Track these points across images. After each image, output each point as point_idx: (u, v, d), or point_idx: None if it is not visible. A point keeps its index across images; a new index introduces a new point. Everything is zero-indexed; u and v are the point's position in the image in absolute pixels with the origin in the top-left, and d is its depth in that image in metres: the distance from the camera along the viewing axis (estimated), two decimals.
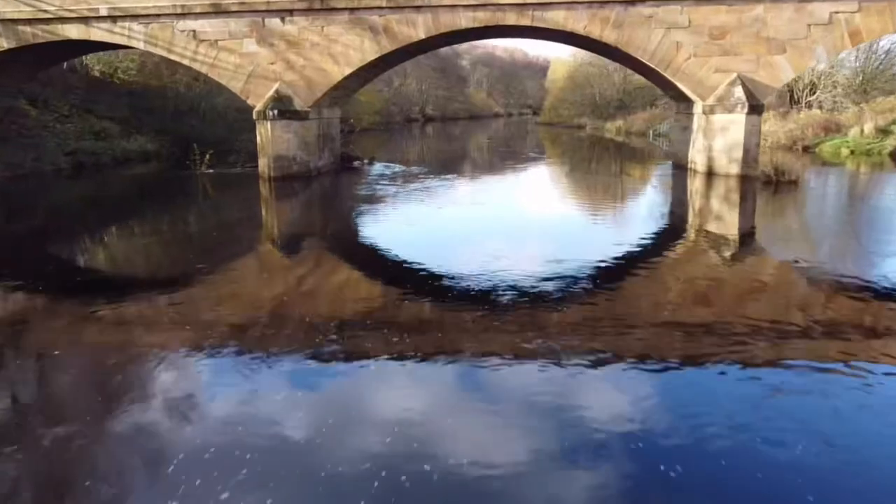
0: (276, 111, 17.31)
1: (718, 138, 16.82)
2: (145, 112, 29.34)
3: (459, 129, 64.23)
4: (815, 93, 32.27)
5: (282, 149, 17.61)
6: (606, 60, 56.74)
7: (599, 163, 27.41)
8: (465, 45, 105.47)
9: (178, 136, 28.31)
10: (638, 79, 60.15)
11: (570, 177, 21.44)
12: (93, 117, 26.68)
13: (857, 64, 33.20)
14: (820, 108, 30.85)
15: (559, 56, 75.10)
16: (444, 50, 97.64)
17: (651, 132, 39.69)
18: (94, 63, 29.26)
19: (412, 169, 21.05)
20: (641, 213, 14.10)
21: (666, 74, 17.23)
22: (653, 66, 17.11)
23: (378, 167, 21.59)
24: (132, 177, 21.07)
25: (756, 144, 16.79)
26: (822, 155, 23.53)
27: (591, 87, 56.22)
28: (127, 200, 16.42)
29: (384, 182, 18.48)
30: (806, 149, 24.85)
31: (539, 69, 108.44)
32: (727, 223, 12.01)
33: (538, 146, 40.37)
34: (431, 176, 19.91)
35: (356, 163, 21.55)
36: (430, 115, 78.80)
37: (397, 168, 21.00)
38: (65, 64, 28.77)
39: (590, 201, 16.24)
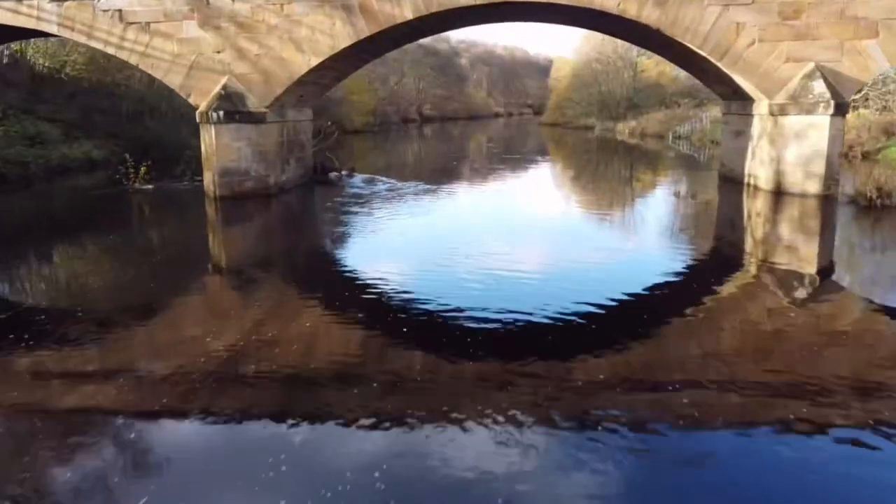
0: (221, 112, 13.53)
1: (791, 147, 13.05)
2: (99, 113, 25.57)
3: (458, 130, 60.77)
4: (861, 90, 28.42)
5: (230, 160, 13.82)
6: (616, 56, 53.53)
7: (620, 173, 23.60)
8: (464, 44, 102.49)
9: (133, 141, 24.45)
10: (648, 75, 56.89)
11: (590, 190, 17.67)
12: (32, 119, 22.88)
13: None
14: (866, 107, 27.10)
15: (562, 55, 71.46)
16: (443, 47, 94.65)
17: (670, 135, 35.84)
18: (39, 57, 25.50)
19: (400, 183, 17.23)
20: (683, 238, 11.21)
21: (720, 65, 13.47)
22: (704, 53, 13.35)
23: (358, 181, 17.81)
24: (55, 193, 17.24)
25: (839, 155, 13.02)
26: (891, 163, 19.73)
27: (599, 86, 52.46)
28: (23, 228, 12.61)
29: (361, 202, 14.71)
30: (865, 155, 21.07)
31: (540, 68, 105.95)
32: (801, 257, 9.27)
33: (546, 151, 36.57)
34: (422, 192, 16.13)
35: (332, 175, 17.76)
36: (428, 116, 75.92)
37: (382, 183, 17.18)
38: (3, 58, 25.04)
39: (618, 224, 12.57)
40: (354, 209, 13.89)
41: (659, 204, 15.12)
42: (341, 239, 10.92)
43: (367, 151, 36.25)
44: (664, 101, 50.19)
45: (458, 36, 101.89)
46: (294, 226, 12.64)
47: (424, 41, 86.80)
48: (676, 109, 41.90)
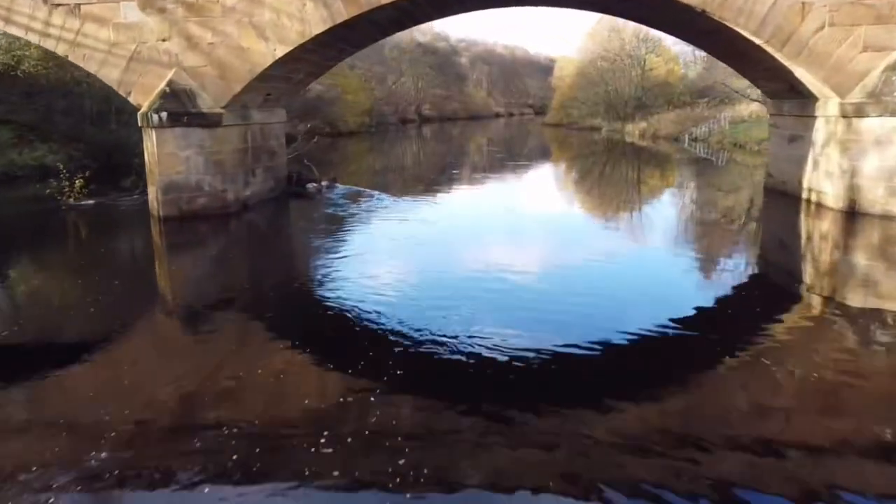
0: (164, 114, 10.99)
1: (871, 156, 10.51)
2: (59, 114, 23.04)
3: (458, 131, 58.32)
4: None
5: (176, 172, 11.28)
6: (623, 53, 50.98)
7: (641, 183, 21.03)
8: (464, 42, 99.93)
9: (95, 146, 22.07)
10: (656, 74, 54.38)
11: (609, 205, 15.13)
12: None
13: None
14: None
15: (565, 54, 69.00)
16: (442, 46, 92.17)
17: (686, 137, 33.21)
18: None
19: (388, 197, 14.69)
20: (727, 263, 9.34)
21: (779, 56, 10.94)
22: (759, 41, 10.82)
23: (340, 193, 15.29)
24: None
25: None
26: None
27: (606, 84, 49.88)
28: None
29: (340, 222, 12.19)
30: None
31: (541, 67, 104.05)
32: (883, 294, 7.31)
33: (552, 155, 34.03)
34: (413, 209, 13.61)
35: (311, 186, 15.23)
36: (427, 116, 73.75)
37: (368, 198, 14.63)
38: None
39: (649, 246, 10.28)
40: (332, 229, 11.51)
41: (696, 221, 12.58)
42: (313, 267, 9.00)
43: (360, 155, 33.75)
44: (672, 101, 47.84)
45: (457, 34, 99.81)
46: (257, 251, 10.20)
47: (424, 40, 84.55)
48: (690, 109, 39.25)
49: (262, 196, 13.47)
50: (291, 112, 38.64)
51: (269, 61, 11.38)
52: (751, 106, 35.22)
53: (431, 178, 20.95)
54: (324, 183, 15.45)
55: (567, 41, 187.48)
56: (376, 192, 15.19)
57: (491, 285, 7.46)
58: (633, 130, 41.25)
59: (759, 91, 29.14)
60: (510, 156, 30.17)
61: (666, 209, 14.23)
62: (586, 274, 8.24)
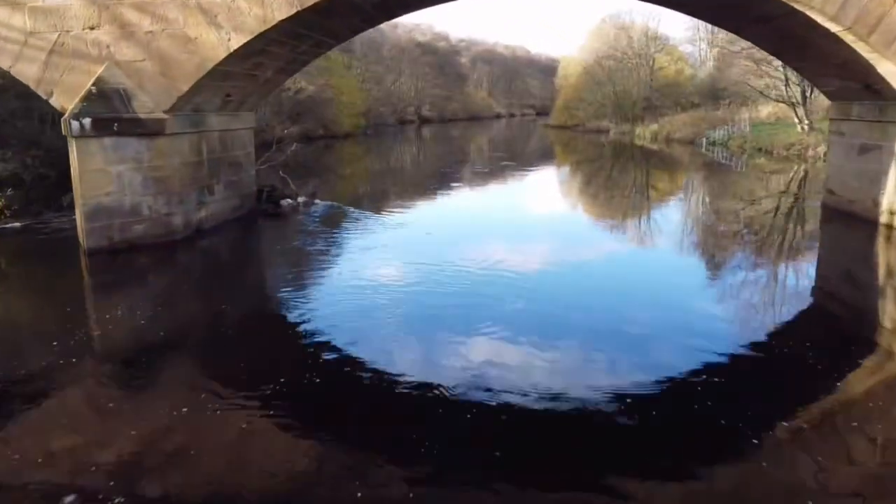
0: (88, 120, 8.74)
1: None
2: (18, 117, 20.79)
3: (458, 132, 56.17)
4: None
5: (105, 193, 9.03)
6: (632, 52, 48.71)
7: (662, 192, 18.77)
8: (464, 42, 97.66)
9: (55, 152, 19.75)
10: (665, 73, 52.12)
11: (632, 223, 12.90)
12: None
13: None
14: None
15: (567, 54, 66.83)
16: (442, 45, 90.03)
17: (704, 140, 30.87)
18: None
19: (374, 217, 12.45)
20: (782, 297, 7.84)
21: (860, 48, 8.71)
22: (836, 29, 8.60)
23: (321, 209, 13.06)
24: None
25: None
26: None
27: (613, 84, 47.59)
28: None
29: (315, 249, 9.98)
30: None
31: (542, 67, 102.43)
32: None
33: (559, 160, 31.76)
34: (403, 230, 11.39)
35: (286, 203, 12.97)
36: (427, 116, 71.72)
37: (352, 217, 12.41)
38: None
39: (687, 271, 8.99)
40: (305, 259, 9.58)
41: (741, 245, 10.31)
42: (280, 305, 7.54)
43: (353, 160, 31.52)
44: (680, 103, 45.65)
45: (457, 34, 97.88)
46: (212, 286, 8.36)
47: (423, 39, 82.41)
48: (705, 110, 36.93)
49: (224, 217, 11.22)
50: (281, 114, 36.89)
51: (223, 54, 9.14)
52: (767, 107, 33.09)
53: (428, 189, 18.67)
54: (300, 199, 13.19)
55: (568, 40, 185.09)
56: (361, 211, 12.96)
57: (495, 348, 5.82)
58: (644, 133, 39.00)
59: (779, 90, 27.18)
60: (515, 161, 27.88)
61: (705, 232, 11.96)
62: (618, 308, 7.07)
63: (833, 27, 8.63)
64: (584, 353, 5.78)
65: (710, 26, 59.91)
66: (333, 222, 12.16)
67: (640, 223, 12.82)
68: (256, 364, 5.57)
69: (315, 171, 23.63)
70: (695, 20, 58.88)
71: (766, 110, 33.44)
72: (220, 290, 8.11)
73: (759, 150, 26.16)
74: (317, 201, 13.37)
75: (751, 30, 11.04)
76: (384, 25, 72.67)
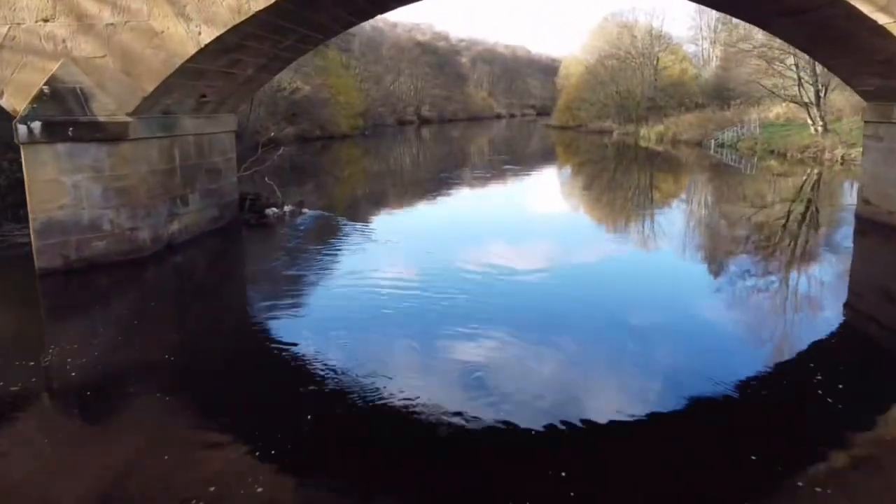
0: (37, 124, 7.72)
1: None
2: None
3: (458, 132, 55.16)
4: None
5: (59, 207, 8.00)
6: (636, 51, 47.60)
7: (672, 198, 17.76)
8: (464, 42, 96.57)
9: None
10: (671, 72, 51.00)
11: (647, 237, 11.89)
12: None
13: None
14: None
15: (569, 54, 65.75)
16: (442, 45, 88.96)
17: (712, 142, 29.76)
18: None
19: (367, 229, 11.45)
20: (814, 320, 6.98)
21: None
22: (886, 22, 7.57)
23: (309, 219, 12.06)
24: None
25: None
26: None
27: (616, 84, 46.53)
28: None
29: (300, 264, 8.97)
30: None
31: (542, 67, 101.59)
32: None
33: (563, 161, 30.73)
34: (398, 244, 10.38)
35: (271, 213, 11.95)
36: (426, 117, 70.73)
37: (343, 231, 11.39)
38: None
39: (706, 286, 7.81)
40: (289, 275, 8.69)
41: (770, 258, 9.29)
42: (260, 330, 6.81)
43: (348, 163, 30.49)
44: (684, 103, 44.60)
45: (457, 33, 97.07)
46: (184, 309, 7.69)
47: (423, 39, 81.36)
48: (711, 111, 35.84)
49: (200, 230, 10.20)
50: (276, 114, 35.82)
51: (193, 50, 8.11)
52: (775, 107, 32.05)
53: (426, 196, 17.64)
54: (287, 208, 12.16)
55: (572, 30, 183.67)
56: (352, 222, 11.96)
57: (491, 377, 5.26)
58: (649, 134, 37.96)
59: (791, 90, 26.04)
60: (517, 165, 26.86)
61: (730, 245, 10.93)
62: (637, 330, 6.37)
63: (882, 18, 7.61)
64: (617, 400, 4.85)
65: (712, 25, 59.17)
66: (321, 235, 11.14)
67: (665, 237, 11.79)
68: (228, 394, 5.09)
69: (309, 174, 22.62)
70: (696, 20, 58.13)
71: (774, 111, 32.42)
72: (191, 313, 7.54)
73: (771, 152, 25.11)
74: (305, 210, 12.34)
75: (782, 23, 9.99)
76: (383, 25, 71.75)
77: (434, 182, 20.55)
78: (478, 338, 6.07)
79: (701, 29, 59.39)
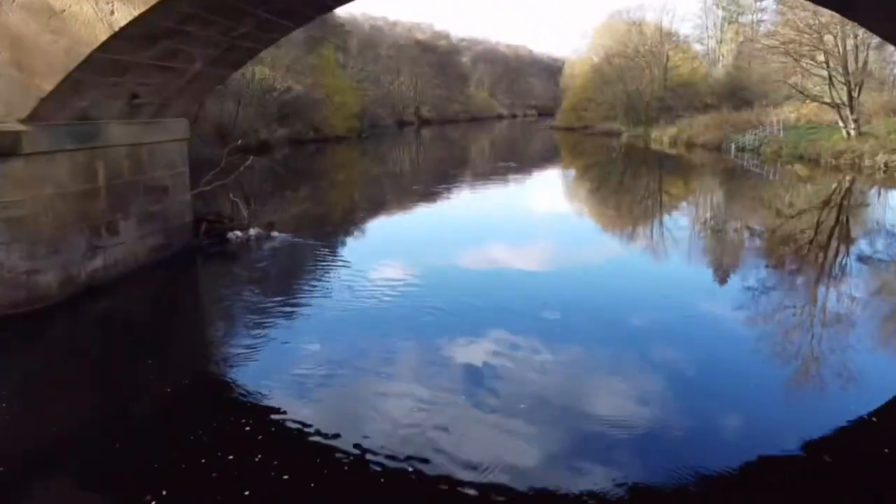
0: None
1: None
2: None
3: (459, 133, 53.26)
4: None
5: None
6: (645, 50, 45.44)
7: (710, 213, 15.71)
8: (465, 41, 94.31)
9: None
10: (681, 72, 48.74)
11: (676, 261, 9.86)
12: None
13: None
14: None
15: (572, 54, 63.68)
16: (442, 44, 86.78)
17: (732, 146, 27.65)
18: None
19: (344, 256, 9.42)
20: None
21: None
22: None
23: (278, 244, 10.00)
24: None
25: None
26: None
27: (624, 84, 44.43)
28: None
29: (263, 310, 6.93)
30: None
31: (545, 67, 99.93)
32: None
33: (571, 167, 28.66)
34: (383, 277, 8.32)
35: (234, 236, 9.90)
36: (427, 118, 68.81)
37: (318, 261, 9.35)
38: None
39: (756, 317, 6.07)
40: (248, 321, 6.82)
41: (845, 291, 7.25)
42: (202, 395, 5.32)
43: (341, 168, 28.51)
44: (693, 104, 42.52)
45: (458, 33, 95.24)
46: (102, 372, 5.79)
47: (423, 38, 79.14)
48: (728, 111, 33.64)
49: (137, 263, 8.15)
50: (266, 116, 33.73)
51: (105, 35, 6.06)
52: (794, 108, 29.97)
53: (422, 205, 15.56)
54: (253, 231, 10.08)
55: (573, 31, 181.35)
56: (329, 250, 9.94)
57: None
58: (661, 136, 35.87)
59: (821, 89, 23.79)
60: (522, 167, 24.77)
61: (783, 269, 8.89)
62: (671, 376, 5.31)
63: None
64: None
65: (719, 23, 57.13)
66: (291, 268, 9.11)
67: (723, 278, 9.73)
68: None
69: (294, 182, 20.58)
70: (702, 19, 56.06)
71: (795, 112, 30.33)
72: (110, 377, 5.56)
73: (800, 157, 23.01)
74: (274, 234, 10.25)
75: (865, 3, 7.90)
76: (382, 24, 69.73)
77: (432, 196, 18.02)
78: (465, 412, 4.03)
79: (707, 28, 57.39)
